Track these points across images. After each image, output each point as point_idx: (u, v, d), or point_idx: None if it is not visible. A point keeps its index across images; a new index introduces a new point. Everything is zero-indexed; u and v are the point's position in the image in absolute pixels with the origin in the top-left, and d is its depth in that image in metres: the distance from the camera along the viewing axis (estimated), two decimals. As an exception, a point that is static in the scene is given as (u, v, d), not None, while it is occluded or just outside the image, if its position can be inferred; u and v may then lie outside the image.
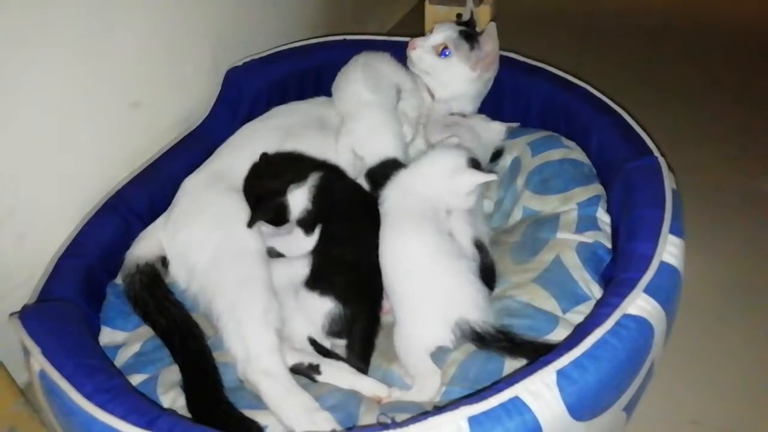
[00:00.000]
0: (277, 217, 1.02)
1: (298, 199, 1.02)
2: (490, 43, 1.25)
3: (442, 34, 1.24)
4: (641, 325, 0.75)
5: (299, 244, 1.02)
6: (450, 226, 1.00)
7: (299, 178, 1.03)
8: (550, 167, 1.20)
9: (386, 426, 0.65)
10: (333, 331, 0.92)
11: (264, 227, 1.04)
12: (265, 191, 1.02)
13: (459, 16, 1.36)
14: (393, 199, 1.00)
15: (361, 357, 0.92)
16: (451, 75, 1.26)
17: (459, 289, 0.90)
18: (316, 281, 0.95)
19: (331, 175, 1.06)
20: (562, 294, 0.97)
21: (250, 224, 0.99)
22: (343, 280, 0.94)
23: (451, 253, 0.94)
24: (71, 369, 0.72)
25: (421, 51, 1.25)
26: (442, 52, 1.24)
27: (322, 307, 0.92)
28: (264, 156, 1.08)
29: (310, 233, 1.02)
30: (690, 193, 1.02)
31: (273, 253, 1.04)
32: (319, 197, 1.02)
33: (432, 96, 1.29)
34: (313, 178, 1.03)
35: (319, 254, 1.00)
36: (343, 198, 1.05)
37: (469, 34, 1.25)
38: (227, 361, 0.90)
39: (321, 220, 1.02)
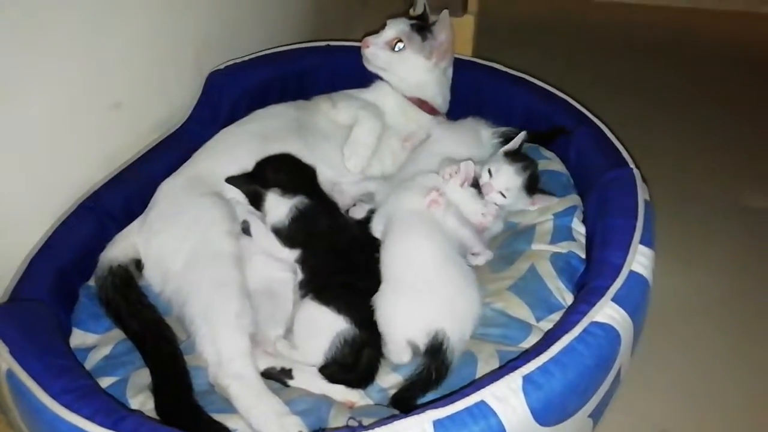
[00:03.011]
0: (249, 197, 1.05)
1: (276, 207, 1.03)
2: (443, 31, 1.28)
3: (394, 28, 1.27)
4: (608, 333, 0.76)
5: (272, 243, 1.03)
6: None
7: (287, 189, 1.04)
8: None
9: (354, 429, 0.65)
10: (340, 352, 0.89)
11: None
12: (258, 174, 1.05)
13: (411, 11, 1.39)
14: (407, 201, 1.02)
15: (361, 381, 0.90)
16: (407, 67, 1.28)
17: (454, 304, 0.91)
18: (329, 298, 0.93)
19: (319, 209, 1.04)
20: (536, 302, 0.98)
21: (228, 180, 1.05)
22: (358, 302, 0.92)
23: (459, 266, 0.95)
24: (39, 369, 0.71)
25: (374, 48, 1.27)
26: (395, 46, 1.26)
27: (335, 325, 0.90)
28: (285, 155, 1.10)
29: (285, 245, 1.02)
30: (671, 207, 1.03)
31: (245, 229, 1.04)
32: (297, 221, 1.02)
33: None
34: (298, 200, 1.03)
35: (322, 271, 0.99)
36: (329, 236, 1.03)
37: (421, 26, 1.28)
38: (198, 365, 0.90)
39: (300, 245, 1.01)
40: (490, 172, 1.09)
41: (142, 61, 1.22)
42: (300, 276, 0.99)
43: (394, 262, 0.95)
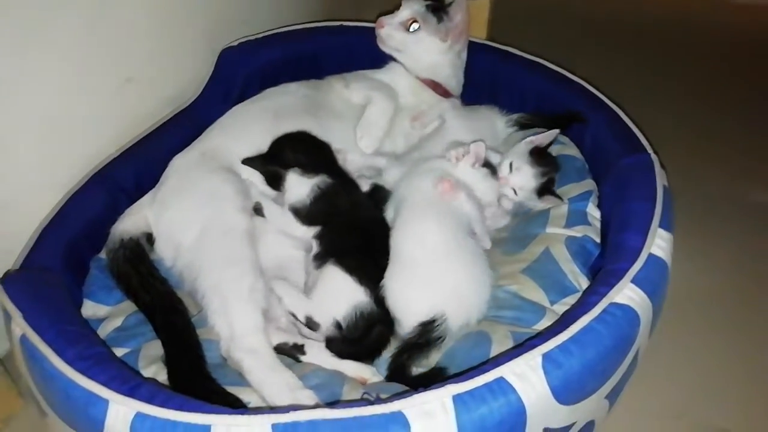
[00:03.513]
0: (270, 182, 1.02)
1: (298, 186, 1.01)
2: (459, 13, 1.26)
3: (409, 9, 1.25)
4: (627, 313, 0.76)
5: (288, 223, 1.01)
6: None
7: (308, 169, 1.02)
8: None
9: (371, 402, 0.65)
10: (353, 325, 0.89)
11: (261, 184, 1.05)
12: (277, 154, 1.03)
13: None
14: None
15: (368, 355, 0.90)
16: (421, 48, 1.27)
17: (461, 290, 0.90)
18: (352, 267, 0.91)
19: (339, 187, 1.02)
20: (550, 285, 0.97)
21: (244, 161, 1.04)
22: (377, 278, 0.92)
23: (469, 251, 0.94)
24: (53, 335, 0.70)
25: (389, 28, 1.26)
26: (410, 27, 1.24)
27: (355, 296, 0.90)
28: (302, 133, 1.08)
29: (304, 224, 1.01)
30: (681, 200, 1.03)
31: (259, 211, 1.03)
32: (321, 200, 1.00)
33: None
34: (320, 179, 1.01)
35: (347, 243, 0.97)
36: (350, 212, 1.02)
37: (437, 7, 1.27)
38: (210, 338, 0.90)
39: (320, 222, 1.00)
40: (511, 166, 1.09)
41: (153, 36, 1.21)
42: (316, 249, 0.98)
43: (403, 245, 0.94)
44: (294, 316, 0.91)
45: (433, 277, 0.91)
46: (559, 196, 1.11)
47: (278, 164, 1.03)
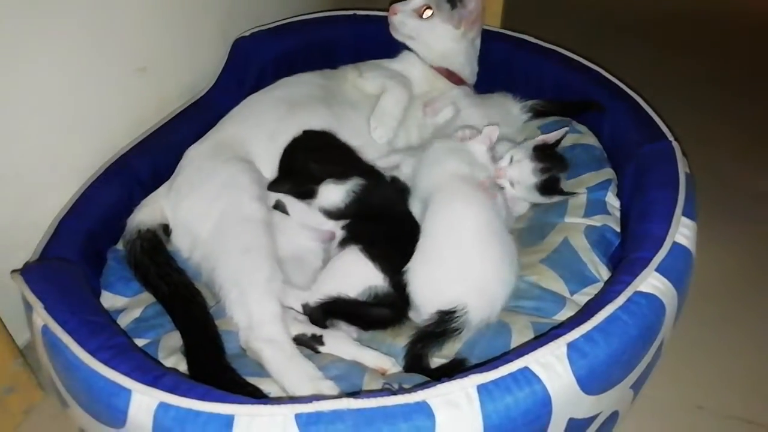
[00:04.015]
0: (301, 197, 1.01)
1: (332, 194, 1.00)
2: (473, 0, 1.25)
3: None
4: (653, 302, 0.75)
5: (315, 218, 1.01)
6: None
7: (341, 176, 1.00)
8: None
9: (394, 392, 0.64)
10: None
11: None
12: (301, 168, 1.01)
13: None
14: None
15: (372, 324, 0.91)
16: (435, 36, 1.26)
17: (487, 284, 0.88)
18: (376, 255, 0.91)
19: (372, 186, 1.02)
20: (570, 275, 0.96)
21: (271, 188, 1.01)
22: (399, 267, 0.91)
23: (501, 242, 0.92)
24: (75, 325, 0.70)
25: (402, 15, 1.25)
26: (423, 13, 1.23)
27: (372, 278, 0.90)
28: (310, 133, 1.06)
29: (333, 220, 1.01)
30: (697, 188, 1.02)
31: (279, 207, 1.02)
32: (355, 203, 0.99)
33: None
34: (353, 183, 1.00)
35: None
36: (381, 207, 1.01)
37: None
38: (229, 329, 0.89)
39: (349, 218, 0.99)
40: (511, 159, 1.06)
41: (166, 25, 1.21)
42: (342, 236, 0.97)
43: (435, 229, 0.92)
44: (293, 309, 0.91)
45: (460, 265, 0.89)
46: (568, 192, 1.07)
47: (309, 181, 1.01)
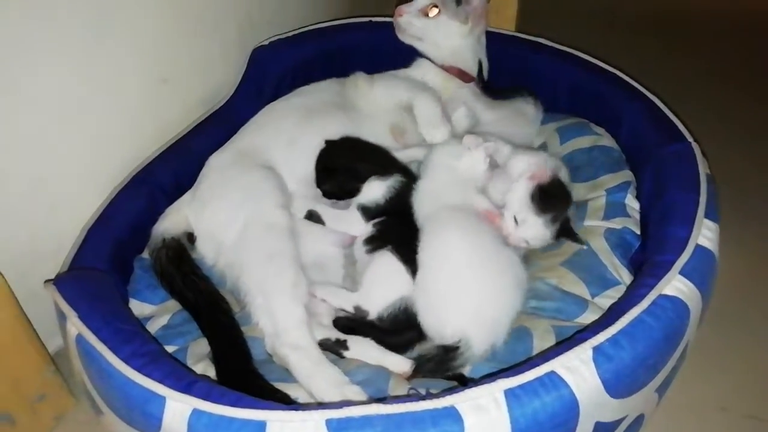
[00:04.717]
0: (342, 196, 1.03)
1: (374, 190, 1.02)
2: None
3: None
4: (677, 305, 0.75)
5: (351, 224, 1.02)
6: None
7: (383, 172, 1.02)
8: (579, 156, 1.19)
9: (422, 397, 0.65)
10: (393, 316, 0.89)
11: (312, 195, 1.05)
12: (344, 166, 1.03)
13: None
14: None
15: (399, 348, 0.90)
16: (443, 34, 1.26)
17: (487, 311, 0.85)
18: (408, 257, 0.90)
19: (409, 183, 1.03)
20: (591, 278, 0.97)
21: (318, 185, 1.03)
22: None
23: (500, 262, 0.89)
24: (108, 333, 0.72)
25: (409, 16, 1.26)
26: (430, 12, 1.24)
27: (404, 287, 0.90)
28: (348, 138, 1.08)
29: (368, 221, 1.01)
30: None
31: (314, 217, 1.04)
32: (394, 199, 1.01)
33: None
34: (395, 179, 1.02)
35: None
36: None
37: None
38: (255, 336, 0.91)
39: (385, 215, 1.00)
40: (516, 220, 0.95)
41: (187, 37, 1.23)
42: (370, 233, 0.98)
43: (430, 260, 0.89)
44: (344, 310, 0.92)
45: (457, 296, 0.86)
46: (579, 239, 0.99)
47: (354, 179, 1.03)
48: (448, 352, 0.83)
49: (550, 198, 0.94)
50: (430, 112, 1.17)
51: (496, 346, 0.86)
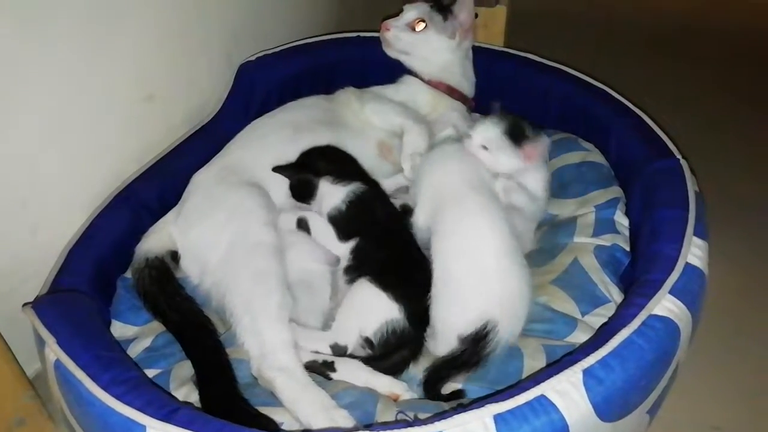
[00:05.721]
0: (299, 188, 1.03)
1: (332, 194, 1.01)
2: (464, 10, 1.26)
3: (415, 9, 1.25)
4: (668, 325, 0.74)
5: (329, 239, 1.01)
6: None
7: (342, 176, 1.02)
8: (568, 171, 1.19)
9: (410, 423, 0.63)
10: (383, 340, 0.89)
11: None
12: (308, 163, 1.04)
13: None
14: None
15: (392, 370, 0.89)
16: (431, 49, 1.26)
17: (510, 298, 0.87)
18: (388, 284, 0.90)
19: (375, 195, 1.03)
20: (581, 296, 0.96)
21: (275, 169, 1.04)
22: (412, 294, 0.90)
23: (519, 256, 0.92)
24: (87, 360, 0.70)
25: (396, 30, 1.25)
26: (417, 27, 1.24)
27: (388, 312, 0.89)
28: (331, 147, 1.09)
29: (342, 240, 1.00)
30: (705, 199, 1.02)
31: (302, 225, 1.03)
32: (355, 206, 1.00)
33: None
34: (355, 186, 1.01)
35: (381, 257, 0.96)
36: (385, 222, 1.01)
37: (441, 5, 1.26)
38: (240, 358, 0.89)
39: (357, 233, 0.99)
40: (485, 147, 1.02)
41: (172, 53, 1.22)
42: (347, 262, 0.97)
43: (448, 246, 0.91)
44: (318, 352, 0.90)
45: (482, 284, 0.87)
46: (539, 131, 1.04)
47: (310, 172, 1.03)
48: (478, 342, 0.84)
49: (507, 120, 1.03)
50: (416, 147, 1.15)
51: (515, 332, 0.88)
